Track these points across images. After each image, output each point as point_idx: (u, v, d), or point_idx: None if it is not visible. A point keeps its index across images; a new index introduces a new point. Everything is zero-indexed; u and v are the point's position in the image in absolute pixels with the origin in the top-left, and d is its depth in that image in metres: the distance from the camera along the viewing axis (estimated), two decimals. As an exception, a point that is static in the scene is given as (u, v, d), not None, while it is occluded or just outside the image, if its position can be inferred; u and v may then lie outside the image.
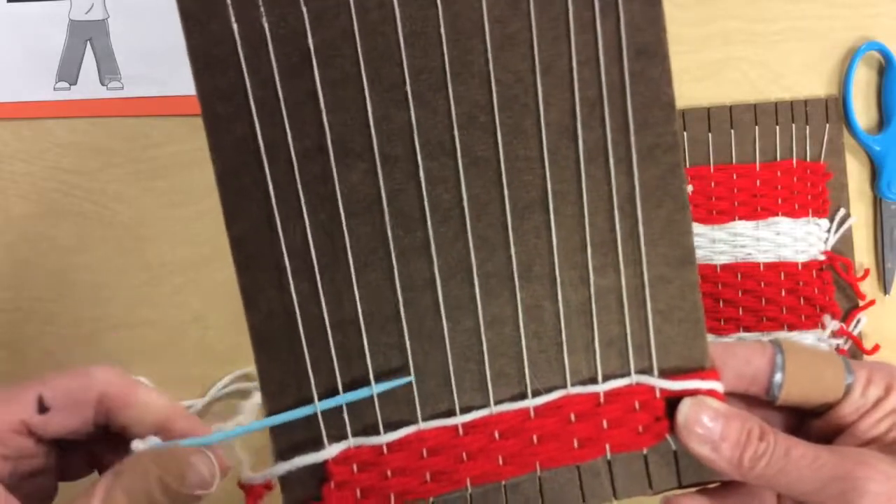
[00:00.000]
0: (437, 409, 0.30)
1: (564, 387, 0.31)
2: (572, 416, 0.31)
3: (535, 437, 0.31)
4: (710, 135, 0.57)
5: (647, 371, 0.31)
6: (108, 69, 0.58)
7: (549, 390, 0.31)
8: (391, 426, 0.30)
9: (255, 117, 0.28)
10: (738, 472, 0.30)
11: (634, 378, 0.31)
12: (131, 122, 0.58)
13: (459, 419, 0.30)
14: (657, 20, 0.29)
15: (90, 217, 0.57)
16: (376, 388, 0.30)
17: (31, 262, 0.57)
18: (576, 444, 0.31)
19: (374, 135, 0.28)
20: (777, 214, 0.56)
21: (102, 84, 0.58)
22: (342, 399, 0.29)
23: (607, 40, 0.29)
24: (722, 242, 0.56)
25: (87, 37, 0.59)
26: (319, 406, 0.29)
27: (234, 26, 0.27)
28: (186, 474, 0.29)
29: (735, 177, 0.56)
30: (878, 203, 0.57)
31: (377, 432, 0.30)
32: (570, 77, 0.29)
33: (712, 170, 0.56)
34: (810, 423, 0.33)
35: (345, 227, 0.29)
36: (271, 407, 0.29)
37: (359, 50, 0.28)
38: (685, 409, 0.31)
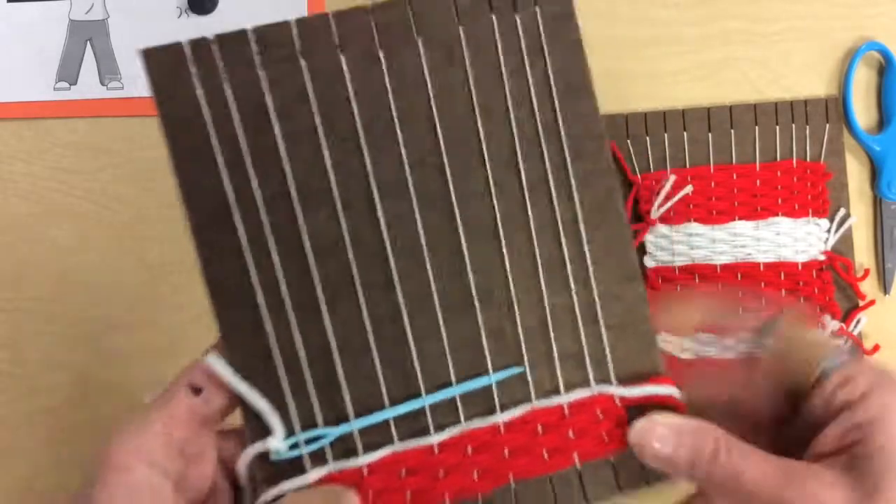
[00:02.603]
0: (411, 429, 0.32)
1: (530, 401, 0.33)
2: (540, 428, 0.33)
3: (506, 451, 0.33)
4: (710, 135, 0.57)
5: (606, 381, 0.33)
6: (108, 69, 0.58)
7: (515, 404, 0.33)
8: (369, 447, 0.32)
9: (222, 171, 0.30)
10: (689, 479, 0.31)
11: (595, 388, 0.33)
12: (131, 122, 0.58)
13: (434, 438, 0.32)
14: (580, 61, 0.32)
15: (90, 217, 0.57)
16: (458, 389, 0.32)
17: (31, 262, 0.57)
18: (546, 456, 0.33)
19: (332, 180, 0.31)
20: (777, 214, 0.56)
21: (102, 84, 0.58)
22: (391, 412, 0.32)
23: (538, 82, 0.32)
24: (722, 242, 0.56)
25: (87, 37, 0.59)
26: (355, 424, 0.32)
27: (199, 92, 0.30)
28: None
29: (735, 177, 0.56)
30: (878, 203, 0.57)
31: (356, 455, 0.32)
32: (508, 117, 0.32)
33: (712, 170, 0.56)
34: (791, 421, 0.33)
35: (311, 266, 0.31)
36: (254, 438, 0.31)
37: (313, 107, 0.31)
38: (636, 430, 0.32)
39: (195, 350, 0.56)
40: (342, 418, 0.32)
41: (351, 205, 0.31)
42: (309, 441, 0.31)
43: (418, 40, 0.31)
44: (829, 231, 0.56)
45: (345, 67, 0.31)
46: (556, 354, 0.33)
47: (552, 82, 0.32)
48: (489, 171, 0.32)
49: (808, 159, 0.57)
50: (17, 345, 0.57)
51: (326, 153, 0.31)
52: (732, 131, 0.57)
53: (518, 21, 0.31)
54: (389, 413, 0.32)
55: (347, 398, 0.32)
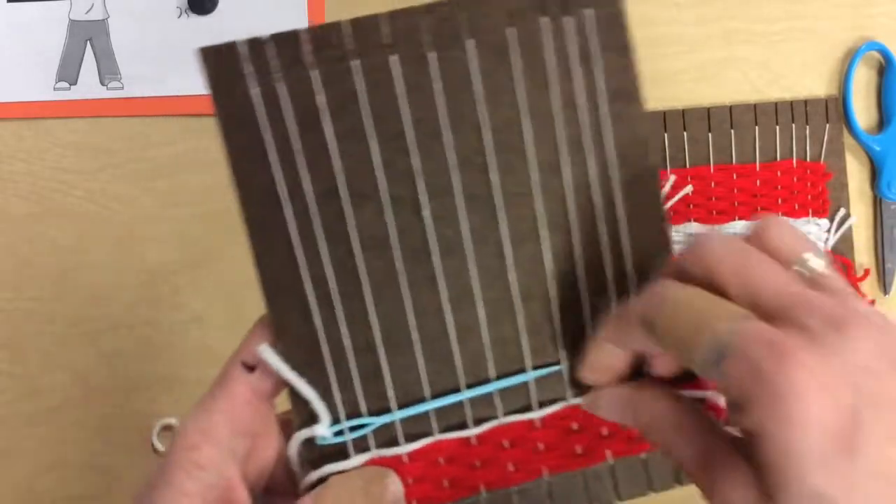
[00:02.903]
0: (450, 421, 0.33)
1: (565, 398, 0.33)
2: (574, 426, 0.34)
3: (541, 446, 0.34)
4: (710, 135, 0.57)
5: None
6: (108, 69, 0.58)
7: (552, 401, 0.33)
8: (410, 437, 0.33)
9: (275, 168, 0.31)
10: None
11: None
12: (131, 122, 0.58)
13: (472, 431, 0.33)
14: (630, 67, 0.32)
15: (90, 217, 0.57)
16: (530, 375, 0.33)
17: (31, 262, 0.57)
18: (579, 451, 0.34)
19: (380, 178, 0.32)
20: (777, 214, 0.56)
21: (102, 84, 0.58)
22: (432, 404, 0.33)
23: (585, 85, 0.32)
24: (722, 242, 0.56)
25: (87, 37, 0.59)
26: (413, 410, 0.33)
27: (253, 91, 0.31)
28: (388, 487, 0.32)
29: (735, 177, 0.56)
30: (878, 203, 0.57)
31: (397, 443, 0.33)
32: (553, 120, 0.32)
33: (712, 170, 0.56)
34: None
35: (358, 262, 0.32)
36: (301, 424, 0.33)
37: (364, 106, 0.31)
38: (586, 398, 0.32)
39: (195, 350, 0.57)
40: (385, 408, 0.33)
41: (398, 203, 0.32)
42: (353, 429, 0.33)
43: (469, 42, 0.31)
44: (829, 231, 0.56)
45: (394, 68, 0.31)
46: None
47: (599, 86, 0.32)
48: (533, 174, 0.32)
49: (808, 159, 0.57)
50: (17, 345, 0.57)
51: (375, 152, 0.31)
52: (732, 131, 0.57)
53: (568, 23, 0.32)
54: (430, 405, 0.33)
55: (390, 389, 0.33)
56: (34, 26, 0.59)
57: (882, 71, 0.58)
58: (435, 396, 0.33)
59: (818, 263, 0.28)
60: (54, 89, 0.58)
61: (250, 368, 0.32)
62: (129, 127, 0.58)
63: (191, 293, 0.57)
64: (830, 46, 0.58)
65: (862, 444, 0.23)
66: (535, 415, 0.33)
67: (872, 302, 0.56)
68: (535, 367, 0.33)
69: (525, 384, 0.33)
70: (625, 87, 0.32)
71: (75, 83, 0.58)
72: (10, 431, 0.56)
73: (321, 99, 0.31)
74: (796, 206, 0.56)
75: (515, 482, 0.34)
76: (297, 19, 0.58)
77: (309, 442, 0.33)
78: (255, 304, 0.58)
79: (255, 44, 0.31)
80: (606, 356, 0.31)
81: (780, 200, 0.56)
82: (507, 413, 0.33)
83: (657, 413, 0.30)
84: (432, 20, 0.31)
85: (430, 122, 0.32)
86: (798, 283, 0.27)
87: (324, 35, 0.31)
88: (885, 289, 0.57)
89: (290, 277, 0.32)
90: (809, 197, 0.56)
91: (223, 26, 0.58)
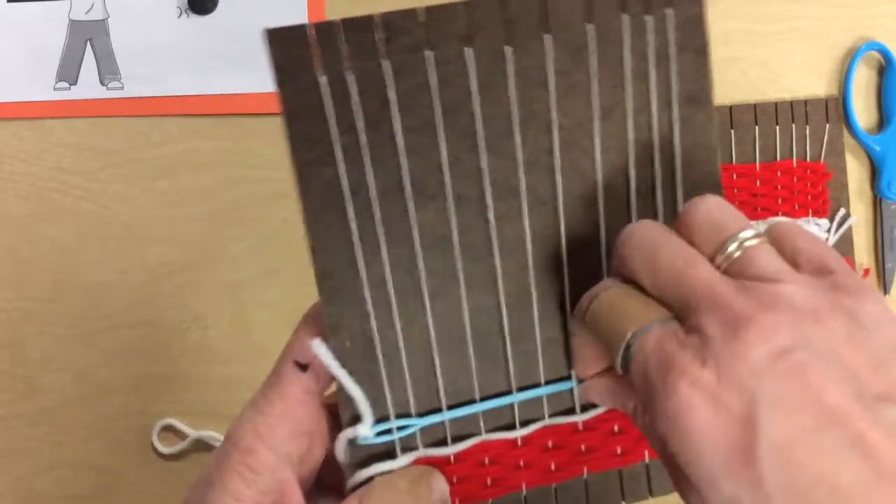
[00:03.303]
0: (497, 423, 0.33)
1: None
2: (616, 429, 0.34)
3: (583, 447, 0.34)
4: (710, 135, 0.57)
5: None
6: (108, 69, 0.58)
7: (595, 406, 0.33)
8: (457, 438, 0.33)
9: (339, 161, 0.30)
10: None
11: None
12: (131, 122, 0.58)
13: (519, 432, 0.33)
14: (705, 70, 0.31)
15: (90, 217, 0.57)
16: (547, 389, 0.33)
17: (31, 262, 0.57)
18: (619, 452, 0.34)
19: (447, 177, 0.31)
20: (777, 214, 0.56)
21: (102, 84, 0.58)
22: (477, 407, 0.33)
23: (659, 87, 0.31)
24: (722, 242, 0.56)
25: (87, 37, 0.59)
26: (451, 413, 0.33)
27: (321, 79, 0.29)
28: (434, 487, 0.31)
29: (735, 177, 0.56)
30: (878, 203, 0.57)
31: (445, 444, 0.33)
32: (625, 122, 0.31)
33: (712, 170, 0.56)
34: None
35: (418, 261, 0.31)
36: (348, 423, 0.32)
37: (435, 100, 0.30)
38: (583, 387, 0.32)
39: (195, 350, 0.57)
40: (436, 408, 0.32)
41: (462, 202, 0.31)
42: (401, 428, 0.32)
43: (547, 37, 0.30)
44: (829, 231, 0.56)
45: (469, 62, 0.30)
46: None
47: (674, 89, 0.31)
48: (599, 176, 0.31)
49: (808, 159, 0.57)
50: (17, 345, 0.57)
51: (443, 148, 0.30)
52: (732, 131, 0.57)
53: (648, 23, 0.31)
54: (480, 407, 0.32)
55: (442, 389, 0.32)
56: (34, 26, 0.59)
57: (882, 71, 0.58)
58: (484, 397, 0.33)
59: (751, 242, 0.26)
60: (54, 89, 0.58)
61: (303, 367, 0.31)
62: (129, 127, 0.58)
63: (191, 293, 0.57)
64: (830, 46, 0.58)
65: (761, 452, 0.23)
66: (579, 418, 0.33)
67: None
68: (580, 378, 0.33)
69: (570, 387, 0.33)
70: (699, 90, 0.31)
71: (75, 83, 0.58)
72: (10, 431, 0.56)
73: (391, 92, 0.30)
74: (796, 206, 0.56)
75: (555, 481, 0.34)
76: (297, 19, 0.58)
77: (355, 442, 0.32)
78: (255, 304, 0.59)
79: (326, 28, 0.29)
80: (582, 349, 0.31)
81: (780, 200, 0.56)
82: (552, 415, 0.33)
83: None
84: (512, 12, 0.30)
85: (501, 120, 0.30)
86: (710, 273, 0.26)
87: (397, 23, 0.29)
88: (885, 289, 0.57)
89: (348, 274, 0.31)
90: (809, 197, 0.56)
91: (223, 26, 0.58)
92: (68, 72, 0.58)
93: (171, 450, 0.55)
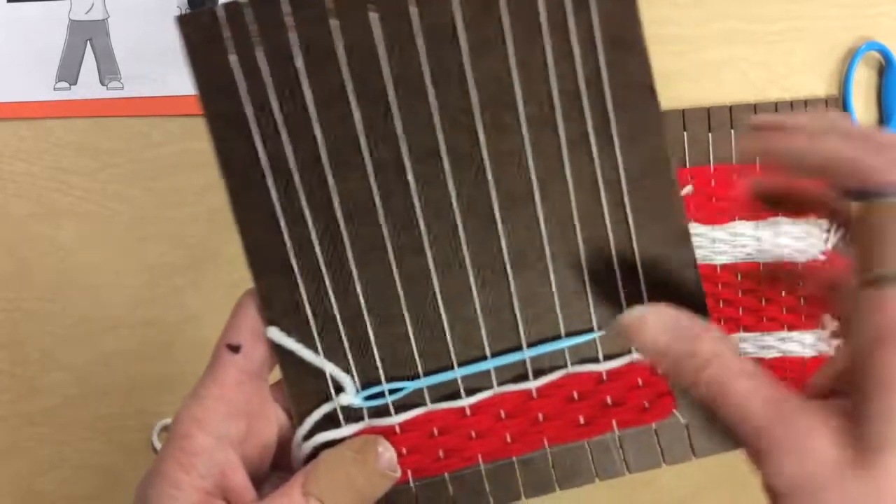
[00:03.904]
0: (443, 392, 0.33)
1: (565, 366, 0.32)
2: (575, 395, 0.33)
3: (539, 416, 0.33)
4: (710, 135, 0.57)
5: None
6: (108, 69, 0.58)
7: (551, 370, 0.32)
8: (402, 408, 0.32)
9: (256, 137, 0.31)
10: (680, 382, 0.28)
11: (635, 356, 0.33)
12: (131, 122, 0.58)
13: (465, 401, 0.32)
14: (631, 13, 0.31)
15: (90, 217, 0.57)
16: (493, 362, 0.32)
17: (31, 262, 0.57)
18: (582, 421, 0.33)
19: (363, 144, 0.31)
20: (777, 214, 0.56)
21: (102, 84, 0.58)
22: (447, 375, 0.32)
23: (581, 35, 0.30)
24: (722, 242, 0.56)
25: (87, 37, 0.59)
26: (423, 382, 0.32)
27: (231, 57, 0.30)
28: (381, 454, 0.31)
29: (735, 177, 0.56)
30: (878, 203, 0.57)
31: (388, 414, 0.32)
32: (546, 73, 0.31)
33: (712, 170, 0.56)
34: None
35: (343, 230, 0.31)
36: (310, 400, 0.32)
37: (343, 68, 0.30)
38: (633, 312, 0.29)
39: (195, 350, 0.57)
40: (375, 380, 0.32)
41: (381, 167, 0.31)
42: (371, 397, 0.32)
43: None
44: (829, 231, 0.56)
45: (374, 25, 0.30)
46: (594, 321, 0.32)
47: (596, 35, 0.30)
48: (524, 131, 0.31)
49: (808, 159, 0.57)
50: (17, 345, 0.57)
51: (357, 115, 0.31)
52: (732, 131, 0.57)
53: None
54: (421, 383, 0.32)
55: (378, 361, 0.32)
56: (34, 26, 0.59)
57: (882, 71, 0.58)
58: (428, 366, 0.32)
59: None
60: (54, 89, 0.58)
61: (235, 349, 0.32)
62: (129, 127, 0.58)
63: (191, 293, 0.57)
64: (830, 46, 0.58)
65: None
66: (532, 385, 0.32)
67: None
68: (531, 337, 0.32)
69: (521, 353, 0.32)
70: (625, 35, 0.31)
71: (75, 83, 0.58)
72: (10, 431, 0.56)
73: (300, 63, 0.30)
74: (796, 206, 0.56)
75: (515, 453, 0.33)
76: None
77: (303, 412, 0.32)
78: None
79: (233, 7, 0.30)
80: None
81: (780, 200, 0.56)
82: (501, 383, 0.33)
83: (721, 351, 0.26)
84: None
85: (414, 81, 0.30)
86: None
87: None
88: (885, 289, 0.57)
89: (276, 248, 0.31)
90: (809, 197, 0.56)
91: (223, 26, 0.58)
92: (68, 72, 0.58)
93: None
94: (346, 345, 0.32)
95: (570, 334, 0.32)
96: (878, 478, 0.23)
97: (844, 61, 0.58)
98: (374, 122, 0.31)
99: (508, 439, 0.33)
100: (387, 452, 0.32)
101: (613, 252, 0.32)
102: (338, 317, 0.32)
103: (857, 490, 0.24)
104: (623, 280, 0.32)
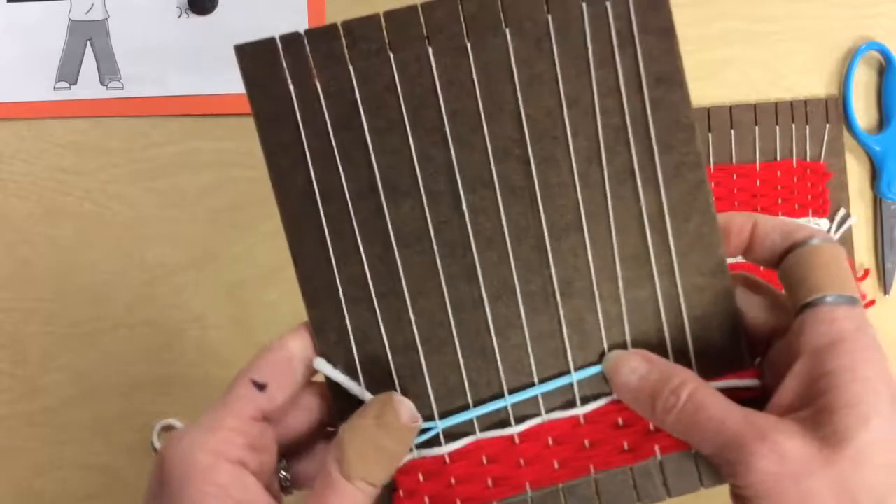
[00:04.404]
0: (492, 420, 0.33)
1: (610, 394, 0.33)
2: (620, 421, 0.33)
3: (586, 443, 0.33)
4: (710, 135, 0.57)
5: None
6: (108, 69, 0.58)
7: (596, 397, 0.33)
8: (451, 437, 0.33)
9: (312, 167, 0.31)
10: (654, 420, 0.31)
11: None
12: (131, 122, 0.58)
13: (515, 429, 0.33)
14: (672, 50, 0.31)
15: (90, 217, 0.57)
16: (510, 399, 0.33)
17: (31, 262, 0.57)
18: (626, 447, 0.33)
19: (418, 174, 0.31)
20: (777, 214, 0.56)
21: (102, 84, 0.58)
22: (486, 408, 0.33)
23: (627, 72, 0.31)
24: (722, 242, 0.56)
25: (87, 37, 0.59)
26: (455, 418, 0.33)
27: (291, 88, 0.31)
28: (398, 409, 0.31)
29: (735, 177, 0.56)
30: (878, 203, 0.57)
31: (438, 444, 0.32)
32: (594, 108, 0.31)
33: (712, 170, 0.56)
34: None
35: (398, 258, 0.32)
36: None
37: (401, 100, 0.31)
38: (610, 357, 0.32)
39: (195, 350, 0.57)
40: (427, 410, 0.32)
41: (435, 197, 0.32)
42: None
43: (506, 31, 0.31)
44: (829, 231, 0.56)
45: (432, 59, 0.31)
46: (633, 346, 0.33)
47: (642, 72, 0.31)
48: (574, 163, 0.32)
49: (808, 159, 0.57)
50: (17, 345, 0.57)
51: (413, 146, 0.31)
52: (732, 131, 0.57)
53: (609, 8, 0.31)
54: (472, 413, 0.32)
55: (431, 391, 0.32)
56: (34, 26, 0.59)
57: (882, 71, 0.58)
58: (478, 394, 0.32)
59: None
60: (54, 89, 0.58)
61: (260, 387, 0.31)
62: (129, 127, 0.58)
63: (191, 293, 0.57)
64: (830, 46, 0.58)
65: None
66: (579, 411, 0.33)
67: (872, 302, 0.57)
68: (578, 363, 0.33)
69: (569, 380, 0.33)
70: (668, 71, 0.31)
71: (75, 83, 0.58)
72: (10, 431, 0.56)
73: (358, 95, 0.31)
74: (796, 206, 0.56)
75: (562, 479, 0.33)
76: (297, 19, 0.58)
77: None
78: (255, 304, 0.59)
79: (293, 39, 0.31)
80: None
81: (780, 200, 0.56)
82: (550, 410, 0.33)
83: (688, 378, 0.30)
84: (470, 8, 0.31)
85: (469, 114, 0.31)
86: None
87: (360, 28, 0.31)
88: (885, 289, 0.57)
89: (328, 278, 0.32)
90: (809, 197, 0.56)
91: (223, 26, 0.58)
92: (68, 72, 0.58)
93: (171, 450, 0.55)
94: (395, 376, 0.32)
95: None
96: (846, 468, 0.26)
97: (844, 61, 0.58)
98: (429, 153, 0.31)
99: (556, 466, 0.33)
100: (404, 406, 0.31)
101: (657, 281, 0.32)
102: (387, 347, 0.32)
103: (827, 480, 0.26)
104: (665, 308, 0.33)
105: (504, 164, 0.32)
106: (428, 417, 0.32)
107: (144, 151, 0.58)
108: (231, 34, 0.58)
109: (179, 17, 0.59)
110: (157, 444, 0.55)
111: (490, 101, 0.31)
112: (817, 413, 0.27)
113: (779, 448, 0.27)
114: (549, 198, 0.32)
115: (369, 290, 0.32)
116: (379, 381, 0.32)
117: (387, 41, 0.31)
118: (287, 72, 0.31)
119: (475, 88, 0.31)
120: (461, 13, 0.31)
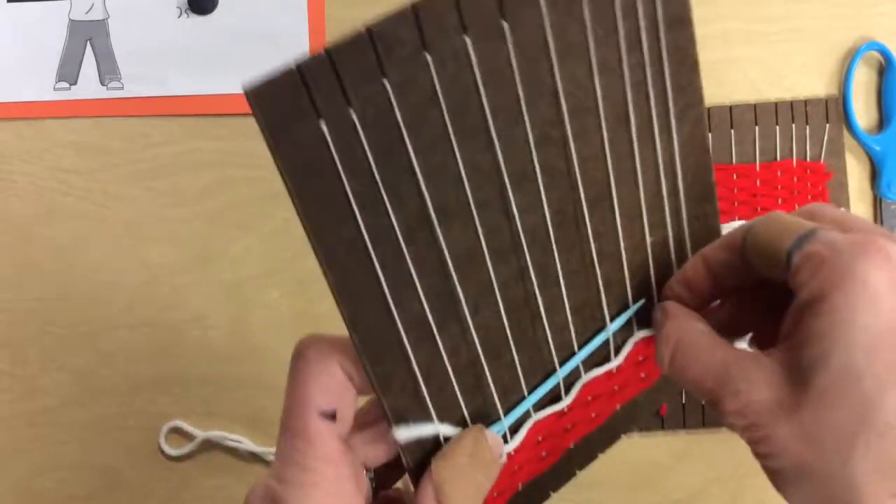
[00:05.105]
0: (544, 399, 0.33)
1: (633, 334, 0.35)
2: (640, 358, 0.35)
3: (616, 387, 0.35)
4: (710, 135, 0.57)
5: None
6: (108, 69, 0.58)
7: (624, 342, 0.35)
8: (513, 430, 0.33)
9: (358, 214, 0.26)
10: (667, 370, 0.32)
11: None
12: (131, 122, 0.58)
13: (565, 401, 0.34)
14: None
15: (90, 217, 0.57)
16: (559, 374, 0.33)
17: (31, 262, 0.57)
18: (643, 376, 0.36)
19: (467, 188, 0.28)
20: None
21: (102, 84, 0.58)
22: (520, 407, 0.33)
23: (648, 20, 0.31)
24: (722, 242, 0.56)
25: (87, 37, 0.59)
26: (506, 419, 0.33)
27: (324, 126, 0.24)
28: (491, 445, 0.31)
29: (735, 177, 0.56)
30: (878, 203, 0.57)
31: (505, 441, 0.33)
32: (621, 67, 0.30)
33: (712, 170, 0.56)
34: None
35: (456, 285, 0.29)
36: (410, 453, 0.30)
37: (443, 109, 0.27)
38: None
39: (195, 350, 0.57)
40: (495, 416, 0.32)
41: (484, 207, 0.28)
42: None
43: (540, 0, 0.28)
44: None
45: (471, 50, 0.26)
46: (654, 288, 0.35)
47: (660, 15, 0.31)
48: (604, 131, 0.31)
49: (808, 159, 0.57)
50: (17, 345, 0.57)
51: (460, 158, 0.27)
52: (732, 131, 0.57)
53: None
54: (529, 402, 0.32)
55: (496, 397, 0.32)
56: (34, 26, 0.59)
57: (882, 71, 0.58)
58: (532, 381, 0.33)
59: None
60: (54, 89, 0.58)
61: (331, 416, 0.28)
62: (129, 127, 0.58)
63: (191, 293, 0.57)
64: (830, 46, 0.58)
65: None
66: (615, 363, 0.34)
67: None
68: (612, 319, 0.34)
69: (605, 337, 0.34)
70: (679, 11, 0.31)
71: (75, 83, 0.58)
72: (10, 431, 0.56)
73: (399, 115, 0.26)
74: (796, 206, 0.56)
75: (595, 426, 0.35)
76: (297, 19, 0.58)
77: (412, 446, 0.30)
78: (255, 304, 0.59)
79: (316, 65, 0.24)
80: (695, 272, 0.32)
81: (780, 200, 0.56)
82: (588, 369, 0.34)
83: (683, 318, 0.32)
84: None
85: (509, 106, 0.28)
86: None
87: (390, 31, 0.25)
88: (885, 289, 0.57)
89: (388, 328, 0.28)
90: (809, 197, 0.56)
91: (223, 26, 0.58)
92: (68, 72, 0.58)
93: (175, 451, 0.55)
94: (461, 396, 0.30)
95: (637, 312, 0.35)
96: (805, 416, 0.26)
97: (844, 61, 0.58)
98: (475, 162, 0.28)
99: (593, 416, 0.35)
100: (495, 441, 0.31)
101: (668, 223, 0.34)
102: (450, 371, 0.30)
103: (789, 428, 0.27)
104: (675, 248, 0.34)
105: (544, 152, 0.29)
106: (494, 421, 0.32)
107: (144, 151, 0.58)
108: (231, 34, 0.58)
109: (179, 17, 0.59)
110: (165, 447, 0.55)
111: (528, 85, 0.28)
112: (789, 348, 0.28)
113: (745, 396, 0.28)
114: (584, 173, 0.31)
115: (429, 326, 0.29)
116: (444, 406, 0.30)
117: (421, 39, 0.25)
118: (316, 107, 0.24)
119: (514, 74, 0.27)
120: None
